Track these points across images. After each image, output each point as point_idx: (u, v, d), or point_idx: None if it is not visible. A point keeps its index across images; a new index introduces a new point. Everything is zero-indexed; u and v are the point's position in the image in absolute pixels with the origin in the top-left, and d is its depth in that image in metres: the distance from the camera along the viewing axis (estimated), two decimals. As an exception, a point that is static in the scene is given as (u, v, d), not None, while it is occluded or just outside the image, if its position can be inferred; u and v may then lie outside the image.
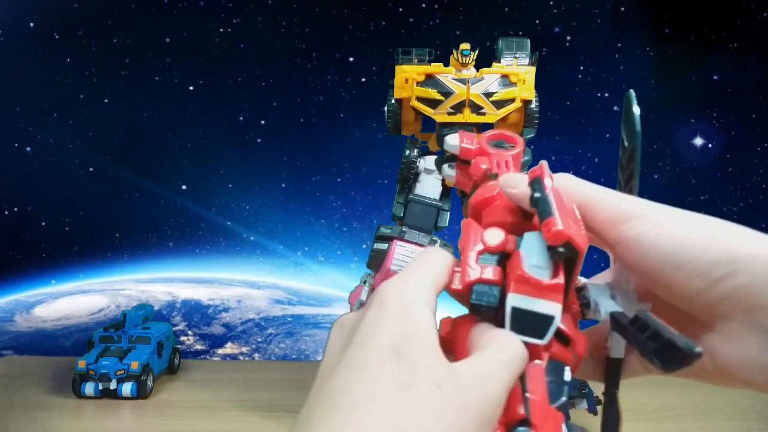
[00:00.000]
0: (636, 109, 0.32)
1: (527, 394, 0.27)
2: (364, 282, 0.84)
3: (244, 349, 1.39)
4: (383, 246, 0.77)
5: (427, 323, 0.27)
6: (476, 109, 0.77)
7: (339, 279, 1.38)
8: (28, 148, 1.30)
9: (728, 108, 1.33)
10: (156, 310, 1.13)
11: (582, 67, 1.32)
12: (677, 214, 0.30)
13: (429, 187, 0.81)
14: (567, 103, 1.31)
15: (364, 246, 1.32)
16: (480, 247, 0.30)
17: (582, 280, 0.33)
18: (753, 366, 0.28)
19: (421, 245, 0.77)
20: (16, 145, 1.30)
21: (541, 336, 0.28)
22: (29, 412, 0.87)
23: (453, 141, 0.38)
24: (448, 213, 0.81)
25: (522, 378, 0.28)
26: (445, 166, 0.40)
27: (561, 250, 0.27)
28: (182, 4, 1.30)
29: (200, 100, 1.32)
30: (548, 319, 0.27)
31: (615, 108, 1.31)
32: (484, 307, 0.28)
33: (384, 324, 0.27)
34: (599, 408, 0.79)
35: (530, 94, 0.80)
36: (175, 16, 1.30)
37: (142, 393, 0.92)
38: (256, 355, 1.39)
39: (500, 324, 0.28)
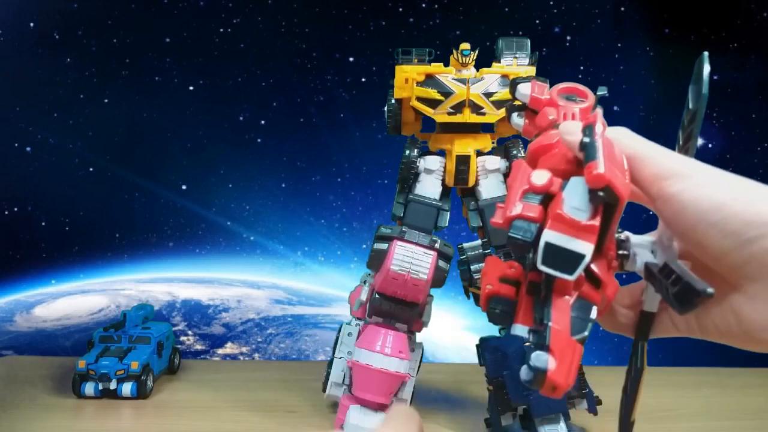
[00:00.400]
0: (706, 72, 0.33)
1: (549, 323, 0.29)
2: (364, 282, 0.84)
3: (244, 349, 1.39)
4: (383, 246, 0.77)
5: None
6: (476, 109, 0.77)
7: (339, 279, 1.38)
8: (28, 148, 1.30)
9: (728, 108, 1.33)
10: (156, 310, 1.13)
11: (582, 67, 1.32)
12: (719, 176, 0.31)
13: (429, 187, 0.81)
14: (567, 103, 1.31)
15: (364, 246, 1.32)
16: (525, 186, 0.31)
17: (626, 233, 0.34)
18: None
19: (421, 245, 0.77)
20: (16, 145, 1.30)
21: (570, 272, 0.28)
22: (29, 412, 0.87)
23: (525, 90, 0.39)
24: (448, 213, 0.81)
25: (548, 309, 0.29)
26: (514, 115, 0.40)
27: (600, 193, 0.28)
28: (182, 4, 1.30)
29: (200, 100, 1.32)
30: (579, 257, 0.28)
31: (615, 108, 1.31)
32: (520, 241, 0.30)
33: None
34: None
35: (530, 94, 0.80)
36: (175, 16, 1.30)
37: (142, 393, 0.92)
38: (256, 355, 1.39)
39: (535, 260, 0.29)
